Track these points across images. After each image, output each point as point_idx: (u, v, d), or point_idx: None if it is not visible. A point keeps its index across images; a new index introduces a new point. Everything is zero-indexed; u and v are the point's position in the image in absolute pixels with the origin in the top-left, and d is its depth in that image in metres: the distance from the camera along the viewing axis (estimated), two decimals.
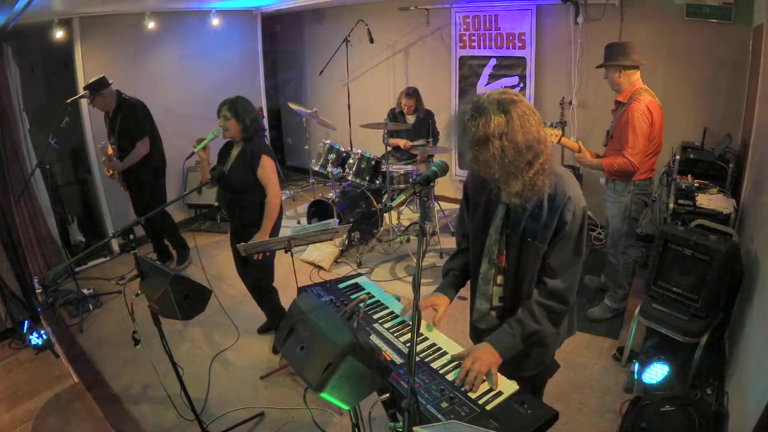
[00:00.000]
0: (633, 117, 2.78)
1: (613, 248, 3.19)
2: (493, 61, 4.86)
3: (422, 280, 1.30)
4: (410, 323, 1.25)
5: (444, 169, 1.54)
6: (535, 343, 1.58)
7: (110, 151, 3.96)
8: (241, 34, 5.66)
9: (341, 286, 1.90)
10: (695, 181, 3.19)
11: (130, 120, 3.85)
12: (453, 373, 1.42)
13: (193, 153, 2.86)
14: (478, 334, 1.76)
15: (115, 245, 4.69)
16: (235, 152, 2.86)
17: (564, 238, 1.46)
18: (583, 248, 1.50)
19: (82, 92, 3.88)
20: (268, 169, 2.78)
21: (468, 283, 1.78)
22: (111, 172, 3.99)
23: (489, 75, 4.93)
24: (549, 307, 1.50)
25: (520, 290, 1.57)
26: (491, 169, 1.37)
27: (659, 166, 3.88)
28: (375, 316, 1.69)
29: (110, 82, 3.80)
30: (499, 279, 1.62)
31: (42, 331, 3.16)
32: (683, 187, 3.11)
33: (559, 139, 3.17)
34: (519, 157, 1.34)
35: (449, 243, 4.55)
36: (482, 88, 4.98)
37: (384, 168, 4.37)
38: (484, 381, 1.37)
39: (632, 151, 2.80)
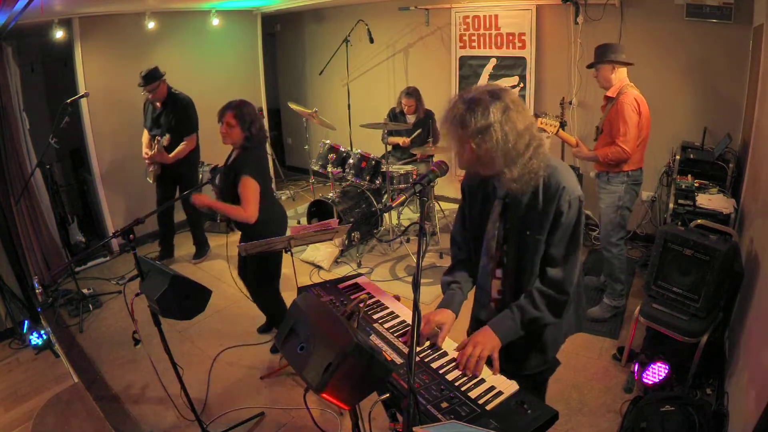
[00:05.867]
0: (623, 108, 2.92)
1: (605, 241, 3.22)
2: (493, 61, 4.86)
3: (422, 280, 1.30)
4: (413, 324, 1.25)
5: (444, 169, 1.55)
6: (535, 334, 1.59)
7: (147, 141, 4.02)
8: (241, 34, 5.66)
9: (341, 286, 1.90)
10: (695, 181, 3.21)
11: (182, 115, 3.94)
12: (453, 373, 1.41)
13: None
14: (477, 328, 1.76)
15: (115, 245, 4.69)
16: (232, 156, 2.83)
17: (562, 228, 1.49)
18: (581, 238, 1.53)
19: (83, 92, 3.89)
20: (248, 189, 2.66)
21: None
22: (150, 162, 4.03)
23: (489, 75, 4.93)
24: (548, 295, 1.53)
25: (521, 283, 1.59)
26: (493, 157, 1.39)
27: (659, 166, 3.90)
28: (375, 316, 1.69)
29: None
30: (498, 272, 1.65)
31: (42, 331, 3.16)
32: (683, 187, 3.13)
33: (557, 131, 3.20)
34: (519, 139, 1.39)
35: (449, 243, 4.54)
36: None
37: (384, 168, 4.37)
38: (479, 381, 1.37)
39: (624, 139, 2.94)
